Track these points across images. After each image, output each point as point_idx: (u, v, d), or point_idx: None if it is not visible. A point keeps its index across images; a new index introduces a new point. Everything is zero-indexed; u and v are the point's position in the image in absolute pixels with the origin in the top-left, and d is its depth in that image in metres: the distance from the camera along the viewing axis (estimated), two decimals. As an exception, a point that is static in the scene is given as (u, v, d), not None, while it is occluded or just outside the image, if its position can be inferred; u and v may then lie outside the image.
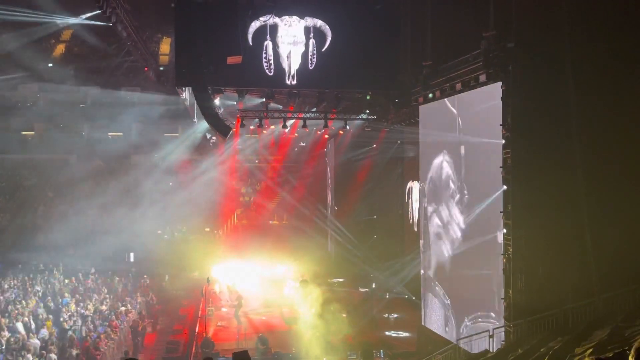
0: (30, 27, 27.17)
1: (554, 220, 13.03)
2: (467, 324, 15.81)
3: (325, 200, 32.30)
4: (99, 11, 16.41)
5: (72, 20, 25.75)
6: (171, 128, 32.75)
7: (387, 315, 23.64)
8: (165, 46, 32.40)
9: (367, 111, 22.09)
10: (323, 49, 17.78)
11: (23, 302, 20.76)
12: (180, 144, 34.16)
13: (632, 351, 4.34)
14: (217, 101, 19.53)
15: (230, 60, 16.49)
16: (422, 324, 18.98)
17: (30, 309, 20.12)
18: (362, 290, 25.87)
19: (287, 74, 17.69)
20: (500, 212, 13.80)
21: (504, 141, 13.62)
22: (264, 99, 20.08)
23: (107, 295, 23.27)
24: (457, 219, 16.58)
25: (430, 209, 18.67)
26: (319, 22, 17.71)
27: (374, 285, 25.16)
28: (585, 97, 12.82)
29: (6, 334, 17.08)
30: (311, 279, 24.87)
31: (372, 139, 26.30)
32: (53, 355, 16.10)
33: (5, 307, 20.03)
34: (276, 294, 25.65)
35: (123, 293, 24.25)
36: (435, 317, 17.98)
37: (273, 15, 17.42)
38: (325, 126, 22.26)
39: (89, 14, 23.51)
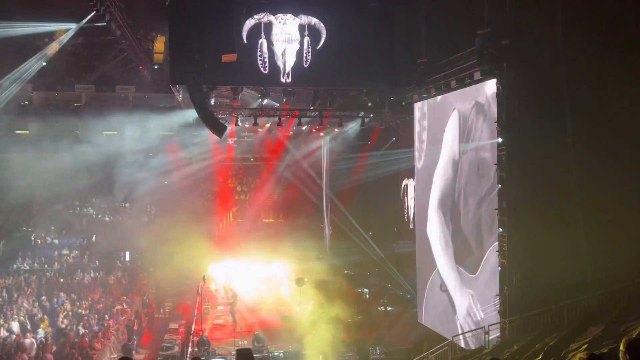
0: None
1: (549, 216, 13.08)
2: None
3: (321, 198, 32.28)
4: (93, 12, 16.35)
5: (71, 26, 25.61)
6: (166, 126, 32.60)
7: (382, 308, 23.73)
8: (160, 44, 32.23)
9: (362, 109, 22.09)
10: (318, 47, 17.76)
11: (18, 301, 20.71)
12: (174, 141, 34.08)
13: (622, 344, 4.46)
14: (212, 99, 19.49)
15: (225, 58, 16.45)
16: (418, 320, 19.04)
17: (26, 308, 20.07)
18: (358, 290, 25.90)
19: (282, 72, 17.66)
20: (495, 209, 13.86)
21: (500, 139, 13.67)
22: (260, 99, 20.05)
23: (103, 295, 23.22)
24: (448, 216, 16.64)
25: (421, 206, 18.74)
26: (314, 20, 17.69)
27: (366, 291, 25.38)
28: (579, 93, 12.88)
29: (3, 333, 17.05)
30: (307, 277, 24.89)
31: (367, 136, 26.32)
32: (49, 355, 16.08)
33: (1, 307, 19.98)
34: (272, 292, 25.65)
35: (119, 292, 24.21)
36: (431, 313, 18.04)
37: (267, 13, 17.39)
38: (321, 124, 22.25)
39: (87, 17, 23.35)
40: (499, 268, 13.72)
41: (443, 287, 16.90)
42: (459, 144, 16.03)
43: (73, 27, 25.31)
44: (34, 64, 27.51)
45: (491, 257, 14.24)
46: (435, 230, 17.50)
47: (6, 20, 23.04)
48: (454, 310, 16.38)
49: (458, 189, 16.08)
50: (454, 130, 16.25)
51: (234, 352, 17.19)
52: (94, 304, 21.69)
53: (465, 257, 15.71)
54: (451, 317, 16.59)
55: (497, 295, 13.87)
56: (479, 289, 15.00)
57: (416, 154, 19.41)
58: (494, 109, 13.96)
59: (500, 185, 13.67)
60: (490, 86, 14.28)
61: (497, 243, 13.86)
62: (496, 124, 13.77)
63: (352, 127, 25.38)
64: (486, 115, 14.61)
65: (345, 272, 27.02)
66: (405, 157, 22.47)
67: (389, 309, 23.71)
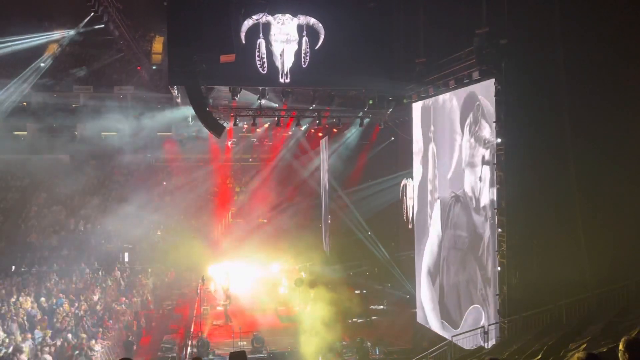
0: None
1: (548, 216, 13.10)
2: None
3: (320, 198, 32.27)
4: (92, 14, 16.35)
5: (70, 32, 25.67)
6: (164, 127, 32.60)
7: (382, 307, 23.72)
8: (158, 45, 32.21)
9: (361, 109, 22.07)
10: (316, 47, 17.75)
11: (17, 302, 20.66)
12: (173, 142, 34.10)
13: (621, 343, 4.47)
14: (210, 100, 19.46)
15: (224, 58, 16.42)
16: (417, 321, 19.04)
17: (25, 309, 20.03)
18: (357, 291, 25.89)
19: (280, 72, 17.65)
20: (495, 209, 13.86)
21: (498, 139, 13.68)
22: (258, 99, 20.03)
23: (102, 296, 23.18)
24: (446, 215, 16.69)
25: (420, 206, 18.76)
26: (312, 20, 17.68)
27: (364, 291, 25.39)
28: (578, 92, 12.89)
29: (2, 334, 17.02)
30: (306, 278, 24.87)
31: (366, 136, 26.29)
32: (48, 356, 16.06)
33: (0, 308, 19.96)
34: (271, 293, 25.62)
35: (117, 293, 24.17)
36: (430, 313, 18.04)
37: (266, 14, 17.37)
38: (319, 124, 22.21)
39: (85, 20, 23.34)
40: (498, 268, 13.73)
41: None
42: (441, 227, 17.29)
43: (71, 33, 25.32)
44: (33, 71, 27.58)
45: (469, 318, 15.59)
46: (426, 294, 18.68)
47: (4, 22, 23.04)
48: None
49: (442, 259, 17.43)
50: (437, 218, 17.56)
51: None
52: (92, 305, 21.65)
53: (449, 314, 16.97)
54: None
55: (496, 294, 13.88)
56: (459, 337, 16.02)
57: (415, 154, 19.42)
58: (468, 201, 15.24)
59: (498, 185, 13.68)
60: (468, 180, 15.33)
61: (473, 307, 15.16)
62: (495, 123, 13.79)
63: (352, 132, 25.36)
64: (462, 204, 15.76)
65: (345, 272, 26.98)
66: (404, 157, 22.47)
67: (385, 307, 23.72)
